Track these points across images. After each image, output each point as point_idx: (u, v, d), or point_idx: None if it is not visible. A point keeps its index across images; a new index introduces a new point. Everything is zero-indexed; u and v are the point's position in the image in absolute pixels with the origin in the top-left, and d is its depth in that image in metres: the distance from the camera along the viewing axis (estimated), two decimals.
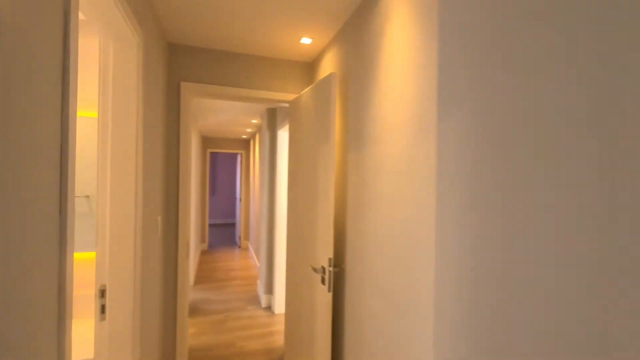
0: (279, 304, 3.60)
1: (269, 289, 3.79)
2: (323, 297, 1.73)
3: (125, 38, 1.30)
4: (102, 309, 1.32)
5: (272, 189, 3.80)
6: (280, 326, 3.29)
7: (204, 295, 4.11)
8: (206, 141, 6.80)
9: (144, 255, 1.52)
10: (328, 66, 2.09)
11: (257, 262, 5.17)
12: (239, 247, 6.90)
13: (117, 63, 1.32)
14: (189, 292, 4.15)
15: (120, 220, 1.33)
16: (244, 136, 6.47)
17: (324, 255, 1.72)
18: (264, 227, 3.92)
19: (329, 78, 1.71)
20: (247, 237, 6.88)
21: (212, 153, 9.95)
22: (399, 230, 1.27)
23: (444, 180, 1.01)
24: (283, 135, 3.66)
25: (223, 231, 8.90)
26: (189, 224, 2.27)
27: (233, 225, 9.88)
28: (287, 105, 2.72)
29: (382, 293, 1.40)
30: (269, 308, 3.73)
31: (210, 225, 9.74)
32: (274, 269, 3.66)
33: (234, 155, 10.23)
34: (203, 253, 6.32)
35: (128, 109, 1.34)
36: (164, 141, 2.04)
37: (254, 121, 4.76)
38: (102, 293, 1.31)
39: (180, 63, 2.16)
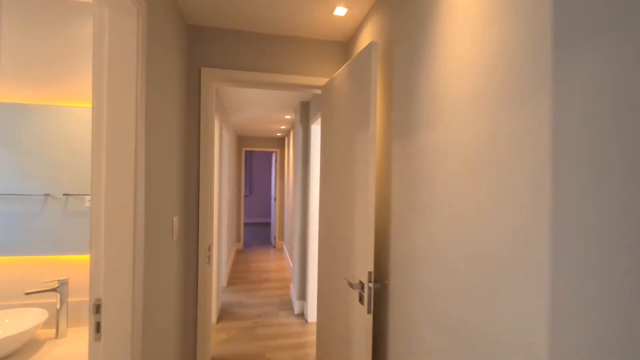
0: (313, 312, 3.33)
1: (302, 295, 3.54)
2: (361, 318, 1.41)
3: (122, 4, 1.08)
4: (97, 327, 1.11)
5: (304, 187, 3.55)
6: (313, 337, 3.02)
7: (236, 297, 3.95)
8: (241, 140, 6.74)
9: (148, 263, 1.30)
10: (366, 42, 1.76)
11: (291, 263, 4.97)
12: (274, 247, 6.77)
13: (113, 36, 1.11)
14: (220, 295, 4.02)
15: (117, 224, 1.12)
16: (279, 134, 6.31)
17: (363, 267, 1.41)
18: (296, 228, 3.68)
19: (368, 49, 1.39)
20: (281, 237, 6.72)
21: (248, 153, 9.99)
22: (477, 245, 0.92)
23: (569, 169, 0.66)
24: (316, 130, 3.38)
25: (259, 230, 8.87)
26: (211, 225, 2.06)
27: (268, 224, 9.83)
28: (319, 91, 2.44)
29: (440, 324, 1.05)
30: (301, 315, 3.47)
31: (246, 224, 9.78)
32: (307, 273, 3.40)
33: (270, 155, 10.19)
34: (238, 252, 6.25)
35: (126, 91, 1.13)
36: (182, 133, 1.84)
37: (288, 117, 4.54)
38: (97, 308, 1.11)
39: (201, 47, 1.95)
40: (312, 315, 3.32)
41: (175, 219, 1.64)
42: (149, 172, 1.27)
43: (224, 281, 4.32)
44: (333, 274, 1.74)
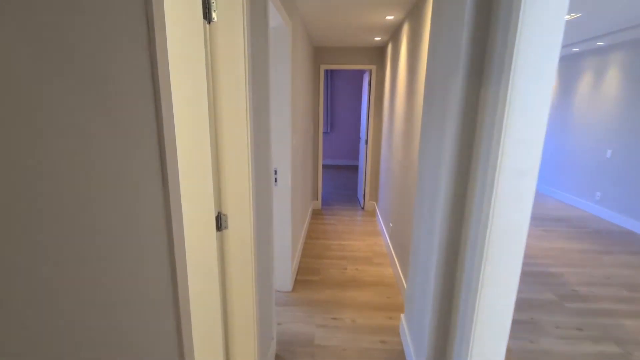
0: None
1: None
2: None
3: None
4: None
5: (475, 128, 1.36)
6: None
7: (304, 324, 2.28)
8: (319, 53, 4.55)
9: None
10: None
11: (390, 246, 3.07)
12: (362, 208, 4.91)
13: None
14: (275, 316, 2.37)
15: None
16: (377, 38, 3.93)
17: None
18: (422, 221, 1.63)
19: None
20: (374, 197, 4.78)
21: (329, 74, 7.75)
22: None
23: None
24: None
25: (341, 176, 7.06)
26: None
27: (354, 168, 7.93)
28: None
29: None
30: None
31: (324, 166, 8.05)
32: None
33: (360, 76, 7.78)
34: (315, 215, 4.58)
35: None
36: None
37: None
38: None
39: None
40: None
41: None
42: None
43: (287, 283, 2.67)
44: None
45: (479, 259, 1.28)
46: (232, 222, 1.40)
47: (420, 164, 1.91)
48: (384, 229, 3.77)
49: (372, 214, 4.67)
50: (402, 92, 2.96)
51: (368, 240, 3.75)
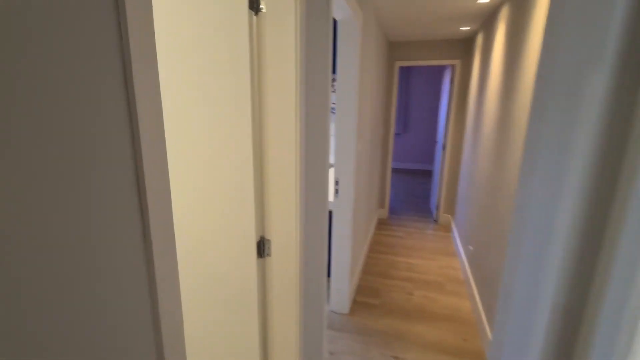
0: None
1: None
2: None
3: None
4: None
5: None
6: None
7: (358, 358, 1.99)
8: (394, 49, 4.16)
9: None
10: None
11: (469, 273, 2.57)
12: (435, 221, 4.39)
13: None
14: (326, 344, 2.12)
15: None
16: (464, 28, 3.39)
17: None
18: (528, 264, 1.19)
19: None
20: (449, 211, 4.22)
21: (405, 72, 7.22)
22: None
23: None
24: None
25: (411, 181, 6.52)
26: None
27: (427, 174, 7.28)
28: None
29: None
30: None
31: (393, 170, 7.54)
32: None
33: (439, 71, 7.09)
34: (380, 225, 4.23)
35: None
36: None
37: None
38: None
39: None
40: None
41: None
42: None
43: (344, 304, 2.41)
44: None
45: (624, 348, 0.84)
46: (276, 248, 1.19)
47: (522, 185, 1.46)
48: (460, 249, 3.26)
49: (447, 229, 4.12)
50: (495, 91, 2.45)
51: (440, 260, 3.28)
